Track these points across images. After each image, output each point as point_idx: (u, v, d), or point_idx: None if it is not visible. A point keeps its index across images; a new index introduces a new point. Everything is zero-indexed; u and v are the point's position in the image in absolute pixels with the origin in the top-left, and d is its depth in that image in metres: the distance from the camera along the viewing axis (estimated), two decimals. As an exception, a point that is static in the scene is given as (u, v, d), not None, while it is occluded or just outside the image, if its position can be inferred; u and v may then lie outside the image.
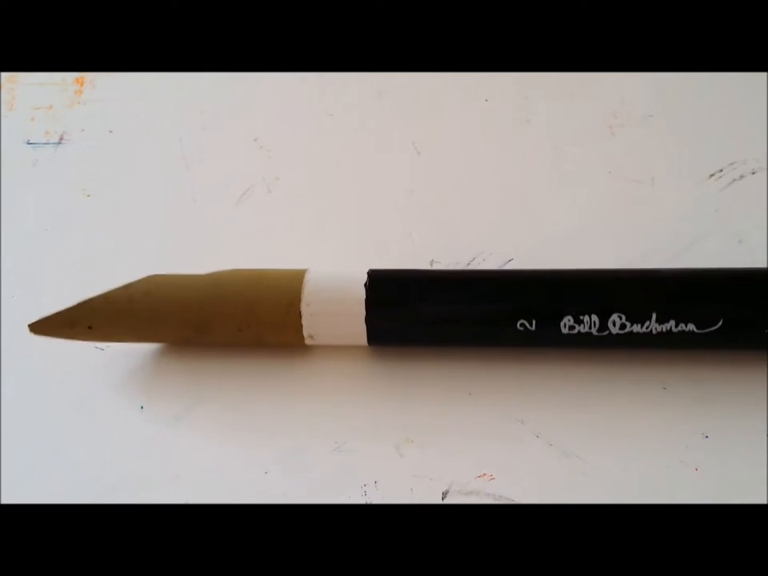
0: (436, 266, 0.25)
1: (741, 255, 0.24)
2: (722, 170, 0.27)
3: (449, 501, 0.20)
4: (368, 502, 0.20)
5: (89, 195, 0.28)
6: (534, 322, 0.21)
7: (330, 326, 0.22)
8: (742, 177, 0.26)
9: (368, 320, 0.21)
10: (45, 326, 0.22)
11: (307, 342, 0.22)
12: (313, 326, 0.22)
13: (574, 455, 0.21)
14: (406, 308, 0.22)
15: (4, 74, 0.32)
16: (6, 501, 0.21)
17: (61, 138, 0.30)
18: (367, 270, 0.22)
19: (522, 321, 0.21)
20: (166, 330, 0.22)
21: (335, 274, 0.22)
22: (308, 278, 0.22)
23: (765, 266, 0.24)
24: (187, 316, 0.22)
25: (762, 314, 0.21)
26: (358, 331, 0.22)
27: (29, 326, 0.22)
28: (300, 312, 0.22)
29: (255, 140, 0.29)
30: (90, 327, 0.22)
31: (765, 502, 0.20)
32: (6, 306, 0.25)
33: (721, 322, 0.21)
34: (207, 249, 0.26)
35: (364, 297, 0.21)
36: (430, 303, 0.22)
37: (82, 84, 0.31)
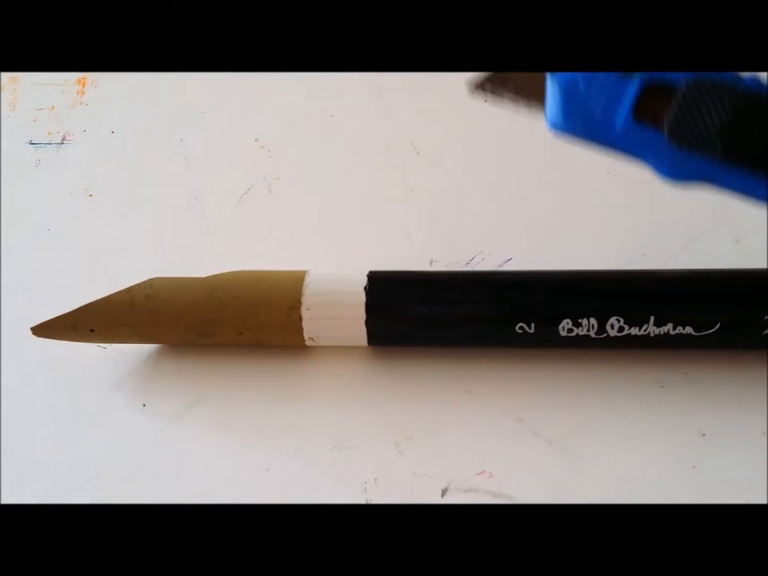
0: (435, 266, 0.25)
1: (738, 255, 0.24)
2: (719, 170, 0.27)
3: (448, 498, 0.20)
4: (368, 500, 0.20)
5: (91, 195, 0.28)
6: (532, 325, 0.21)
7: (330, 329, 0.22)
8: (739, 176, 0.26)
9: (368, 323, 0.22)
10: (47, 329, 0.22)
11: (308, 343, 0.22)
12: (313, 329, 0.22)
13: (572, 453, 0.21)
14: (405, 311, 0.22)
15: (6, 75, 0.32)
16: (5, 501, 0.21)
17: (63, 138, 0.30)
18: (367, 272, 0.22)
19: (521, 324, 0.21)
20: (167, 333, 0.23)
21: (335, 276, 0.22)
22: (308, 280, 0.22)
23: (761, 265, 0.24)
24: (189, 319, 0.22)
25: (760, 316, 0.21)
26: (358, 333, 0.22)
27: (31, 328, 0.22)
28: (300, 316, 0.22)
29: (256, 140, 0.29)
30: (92, 330, 0.22)
31: (761, 498, 0.20)
32: (9, 304, 0.25)
33: (718, 325, 0.21)
34: (209, 248, 0.26)
35: (364, 300, 0.22)
36: (429, 306, 0.22)
37: (83, 84, 0.31)
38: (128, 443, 0.22)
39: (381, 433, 0.22)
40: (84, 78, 0.32)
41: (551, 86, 0.17)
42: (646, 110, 0.17)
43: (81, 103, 0.31)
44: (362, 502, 0.20)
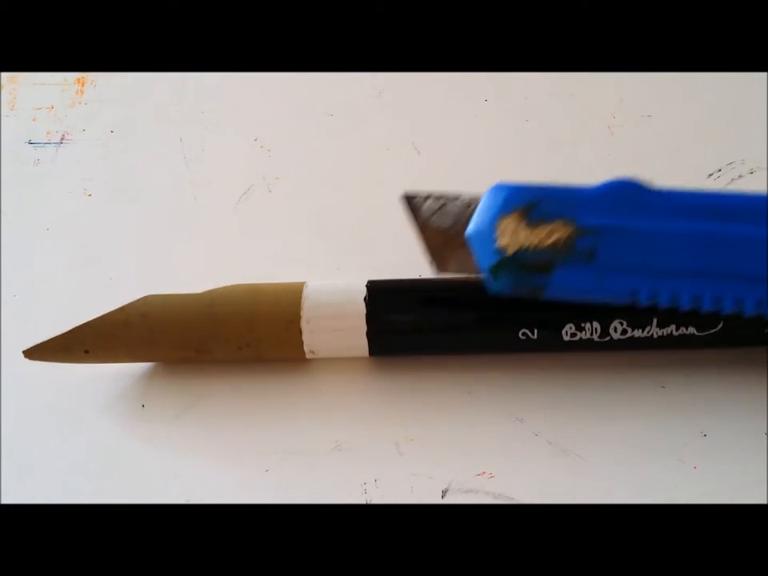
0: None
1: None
2: (720, 170, 0.27)
3: (448, 499, 0.20)
4: (368, 500, 0.20)
5: (90, 195, 0.28)
6: (535, 330, 0.21)
7: (330, 340, 0.22)
8: (740, 177, 0.26)
9: (369, 333, 0.21)
10: (40, 352, 0.22)
11: (308, 356, 0.22)
12: (313, 341, 0.22)
13: (573, 453, 0.21)
14: (406, 319, 0.22)
15: (6, 74, 0.32)
16: (5, 501, 0.21)
17: (62, 138, 0.30)
18: (366, 283, 0.22)
19: (523, 330, 0.21)
20: (164, 351, 0.22)
21: (334, 287, 0.22)
22: (306, 292, 0.22)
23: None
24: (186, 336, 0.22)
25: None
26: (359, 344, 0.22)
27: (23, 352, 0.22)
28: (300, 329, 0.21)
29: (256, 140, 0.29)
30: (86, 351, 0.22)
31: (763, 500, 0.20)
32: (7, 304, 0.25)
33: (721, 324, 0.21)
34: (208, 247, 0.26)
35: (364, 311, 0.21)
36: (430, 314, 0.22)
37: (83, 84, 0.31)
38: (127, 444, 0.22)
39: (381, 433, 0.22)
40: (83, 78, 0.32)
41: None
42: None
43: (80, 103, 0.31)
44: (362, 502, 0.20)
